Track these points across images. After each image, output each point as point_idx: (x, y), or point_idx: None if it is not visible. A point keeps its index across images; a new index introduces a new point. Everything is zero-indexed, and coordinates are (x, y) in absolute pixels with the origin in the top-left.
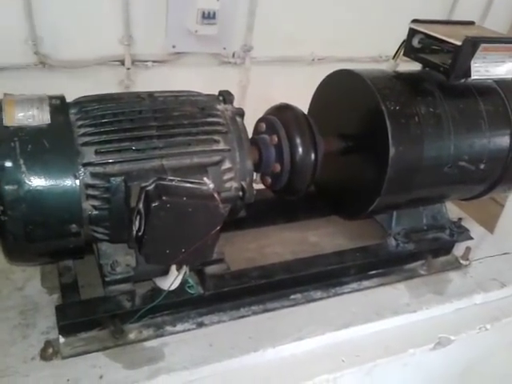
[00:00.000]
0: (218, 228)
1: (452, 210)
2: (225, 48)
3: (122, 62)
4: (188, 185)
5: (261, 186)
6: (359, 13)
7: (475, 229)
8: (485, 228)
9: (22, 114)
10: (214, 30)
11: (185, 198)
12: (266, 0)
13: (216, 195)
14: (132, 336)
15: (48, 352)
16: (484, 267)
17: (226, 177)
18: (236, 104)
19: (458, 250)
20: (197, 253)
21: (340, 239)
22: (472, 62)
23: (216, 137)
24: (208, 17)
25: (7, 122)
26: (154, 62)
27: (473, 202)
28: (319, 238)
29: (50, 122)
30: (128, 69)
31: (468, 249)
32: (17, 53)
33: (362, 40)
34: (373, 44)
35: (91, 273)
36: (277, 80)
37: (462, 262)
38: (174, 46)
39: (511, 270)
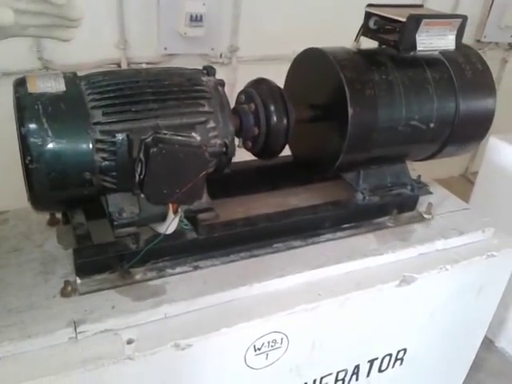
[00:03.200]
0: (205, 172)
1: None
2: (213, 49)
3: (119, 65)
4: (179, 137)
5: (247, 157)
6: (337, 10)
7: (439, 190)
8: None
9: (42, 84)
10: (201, 31)
11: (177, 146)
12: (250, 3)
13: (203, 145)
14: (138, 277)
15: (67, 290)
16: (445, 220)
17: (211, 134)
18: None
19: (422, 207)
20: (189, 193)
21: (317, 202)
22: (417, 35)
23: (201, 101)
24: (195, 19)
25: (31, 89)
26: (147, 63)
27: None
28: (299, 201)
29: (65, 89)
30: None
31: (430, 204)
32: (23, 59)
33: (341, 36)
34: (352, 39)
35: (102, 233)
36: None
37: (425, 216)
38: (165, 48)
39: (469, 222)
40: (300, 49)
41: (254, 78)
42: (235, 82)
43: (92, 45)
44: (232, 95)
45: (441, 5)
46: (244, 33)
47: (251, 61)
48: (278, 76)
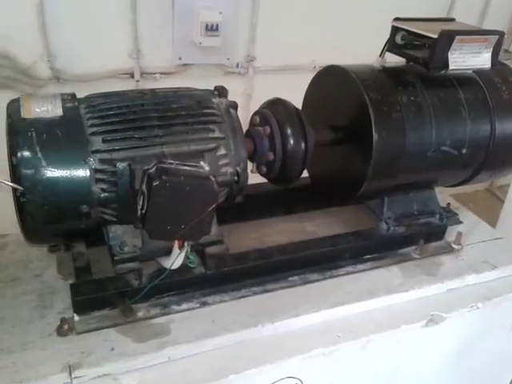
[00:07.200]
0: (214, 206)
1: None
2: (228, 59)
3: (132, 75)
4: (186, 167)
5: (260, 180)
6: (357, 19)
7: (469, 216)
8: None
9: (37, 108)
10: (217, 41)
11: (182, 178)
12: (267, 12)
13: (211, 176)
14: (140, 314)
15: (64, 328)
16: (476, 251)
17: (221, 162)
18: (241, 112)
19: (451, 236)
20: (195, 229)
21: (336, 228)
22: (449, 53)
23: (211, 126)
24: (211, 29)
25: (25, 114)
26: (161, 73)
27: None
28: (316, 227)
29: (62, 114)
30: (137, 81)
31: (459, 233)
32: (34, 69)
33: (361, 45)
34: (373, 49)
35: (103, 262)
36: (280, 88)
37: (454, 246)
38: (180, 58)
39: (502, 253)
40: (319, 59)
41: (271, 88)
42: (252, 92)
43: (104, 54)
44: (248, 106)
45: (467, 15)
46: (261, 42)
47: (268, 71)
48: (296, 87)
